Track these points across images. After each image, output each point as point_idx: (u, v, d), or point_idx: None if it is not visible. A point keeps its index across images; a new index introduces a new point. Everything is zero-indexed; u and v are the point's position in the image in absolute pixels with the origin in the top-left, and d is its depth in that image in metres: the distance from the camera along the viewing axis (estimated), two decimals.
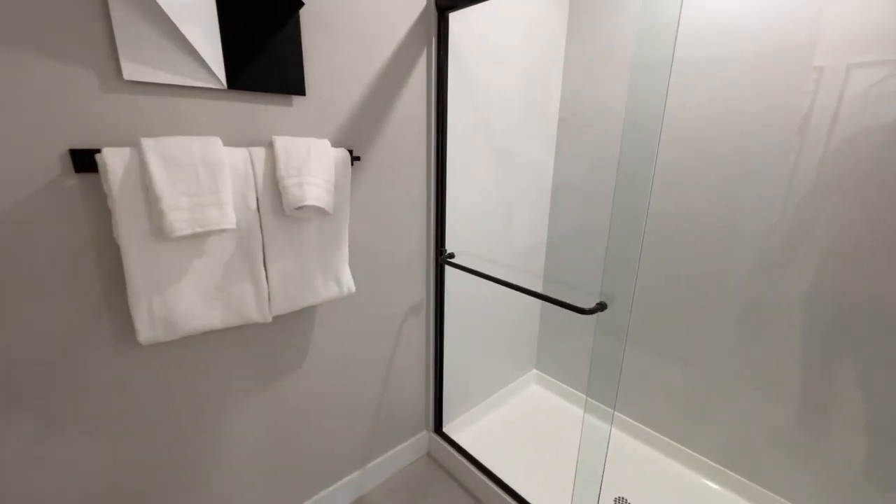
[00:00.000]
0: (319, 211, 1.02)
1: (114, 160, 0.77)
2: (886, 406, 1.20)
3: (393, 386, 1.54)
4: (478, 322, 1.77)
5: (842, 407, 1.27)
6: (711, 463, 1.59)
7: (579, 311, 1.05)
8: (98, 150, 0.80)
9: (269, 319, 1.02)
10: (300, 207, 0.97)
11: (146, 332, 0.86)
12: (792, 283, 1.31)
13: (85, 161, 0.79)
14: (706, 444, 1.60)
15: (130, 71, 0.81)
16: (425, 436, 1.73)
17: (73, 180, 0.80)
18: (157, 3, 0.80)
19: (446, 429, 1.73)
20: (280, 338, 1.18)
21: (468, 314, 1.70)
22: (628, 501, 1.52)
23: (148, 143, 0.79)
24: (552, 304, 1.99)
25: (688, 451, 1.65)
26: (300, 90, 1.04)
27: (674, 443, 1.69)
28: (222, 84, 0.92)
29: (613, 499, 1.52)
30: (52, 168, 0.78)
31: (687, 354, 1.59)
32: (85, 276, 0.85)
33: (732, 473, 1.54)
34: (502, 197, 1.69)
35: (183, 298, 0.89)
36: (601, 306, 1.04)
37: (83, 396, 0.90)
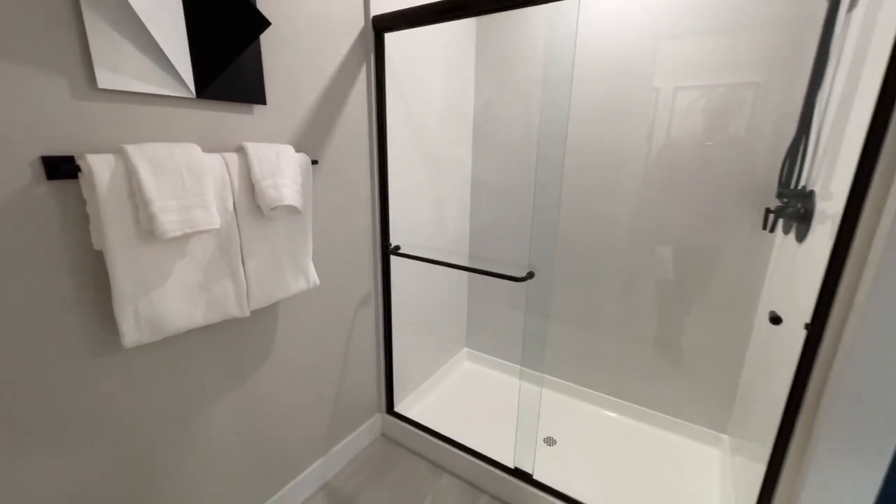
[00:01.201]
0: (292, 209, 1.12)
1: (100, 166, 0.79)
2: (711, 339, 1.71)
3: (349, 373, 1.65)
4: (417, 309, 1.96)
5: (684, 341, 1.78)
6: (607, 397, 2.04)
7: (514, 280, 1.32)
8: (71, 158, 0.80)
9: (248, 314, 1.08)
10: (275, 207, 1.06)
11: (131, 335, 0.87)
12: (649, 254, 1.77)
13: (58, 168, 0.79)
14: (602, 383, 2.04)
15: (105, 80, 0.83)
16: (379, 418, 1.87)
17: (45, 188, 0.80)
18: (132, 14, 0.84)
19: (398, 408, 1.89)
20: (251, 333, 1.23)
21: (409, 302, 1.89)
22: (554, 438, 1.87)
23: (134, 150, 0.83)
24: (478, 290, 2.28)
25: (590, 391, 2.08)
26: (261, 99, 1.12)
27: (579, 387, 2.11)
28: (192, 93, 0.97)
29: (543, 439, 1.86)
30: (22, 175, 0.77)
31: (583, 318, 2.01)
32: (57, 285, 0.83)
33: (621, 401, 1.99)
34: (434, 193, 1.91)
35: (168, 299, 0.92)
36: (530, 274, 1.32)
37: (58, 408, 0.87)
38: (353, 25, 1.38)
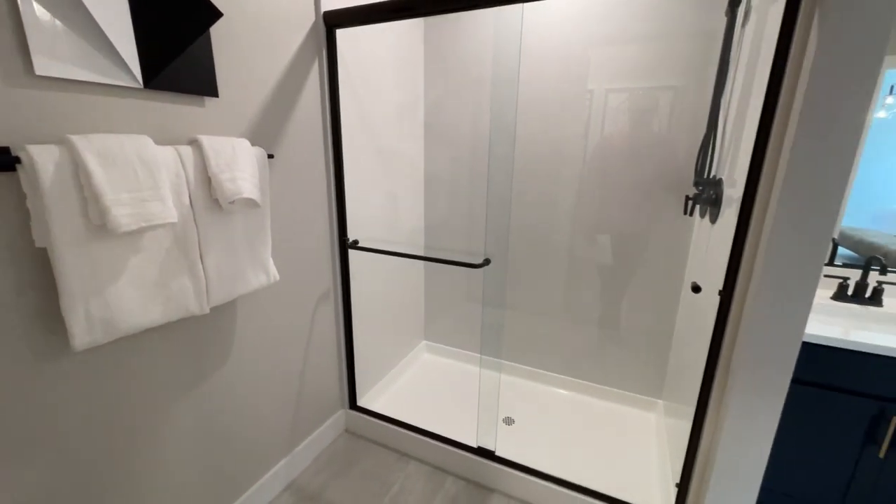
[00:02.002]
0: (251, 203, 1.11)
1: (43, 158, 0.75)
2: (645, 314, 1.92)
3: (310, 370, 1.64)
4: (376, 304, 1.99)
5: (623, 319, 1.97)
6: (558, 375, 2.19)
7: (472, 266, 1.40)
8: (6, 149, 0.76)
9: (207, 311, 1.06)
10: (234, 201, 1.05)
11: (82, 336, 0.83)
12: (590, 240, 1.94)
13: None
14: (553, 364, 2.20)
15: (43, 66, 0.79)
16: (342, 413, 1.87)
17: None
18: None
19: (361, 402, 1.90)
20: (210, 331, 1.19)
21: (368, 297, 1.91)
22: (512, 418, 1.98)
23: (80, 141, 0.79)
24: (435, 283, 2.34)
25: (542, 371, 2.22)
26: (213, 92, 1.10)
27: (532, 368, 2.24)
28: (139, 83, 0.93)
29: (502, 419, 1.96)
30: None
31: (534, 304, 2.14)
32: None
33: (571, 378, 2.16)
34: (388, 188, 1.95)
35: (123, 296, 0.88)
36: (487, 261, 1.41)
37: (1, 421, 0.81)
38: (305, 20, 1.38)
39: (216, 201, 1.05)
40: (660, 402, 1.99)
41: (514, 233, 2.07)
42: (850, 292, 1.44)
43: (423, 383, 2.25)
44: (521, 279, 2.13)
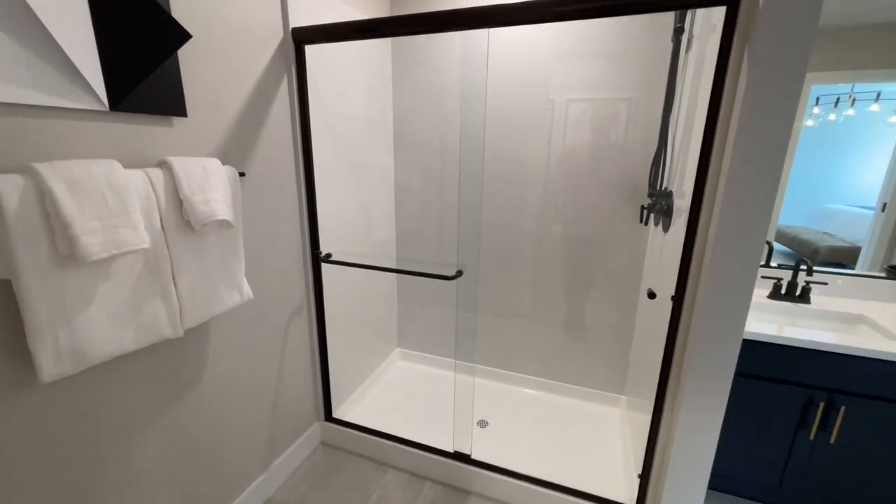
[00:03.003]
0: (224, 224, 1.10)
1: (6, 188, 0.73)
2: (607, 316, 2.04)
3: (285, 385, 1.63)
4: (350, 315, 2.00)
5: (587, 320, 2.08)
6: (528, 377, 2.28)
7: (445, 279, 1.45)
8: None
9: (182, 334, 1.04)
10: (207, 223, 1.04)
11: (50, 368, 0.81)
12: (555, 247, 2.04)
13: None
14: (523, 365, 2.28)
15: (1, 91, 0.76)
16: (317, 427, 1.87)
17: None
18: (35, 21, 0.78)
19: (336, 414, 1.91)
20: (181, 353, 1.17)
21: (341, 309, 1.91)
22: (486, 421, 2.04)
23: (45, 169, 0.77)
24: (407, 291, 2.37)
25: (512, 373, 2.31)
26: (182, 112, 1.08)
27: (502, 371, 2.32)
28: (104, 106, 0.92)
29: (476, 422, 2.02)
30: None
31: (503, 309, 2.22)
32: None
33: (540, 379, 2.25)
34: (360, 199, 1.96)
35: (93, 325, 0.86)
36: (459, 273, 1.46)
37: None
38: (273, 37, 1.38)
39: (188, 223, 1.04)
40: (623, 397, 2.12)
41: (484, 239, 2.14)
42: (783, 291, 1.61)
43: (398, 391, 2.27)
44: (492, 284, 2.20)
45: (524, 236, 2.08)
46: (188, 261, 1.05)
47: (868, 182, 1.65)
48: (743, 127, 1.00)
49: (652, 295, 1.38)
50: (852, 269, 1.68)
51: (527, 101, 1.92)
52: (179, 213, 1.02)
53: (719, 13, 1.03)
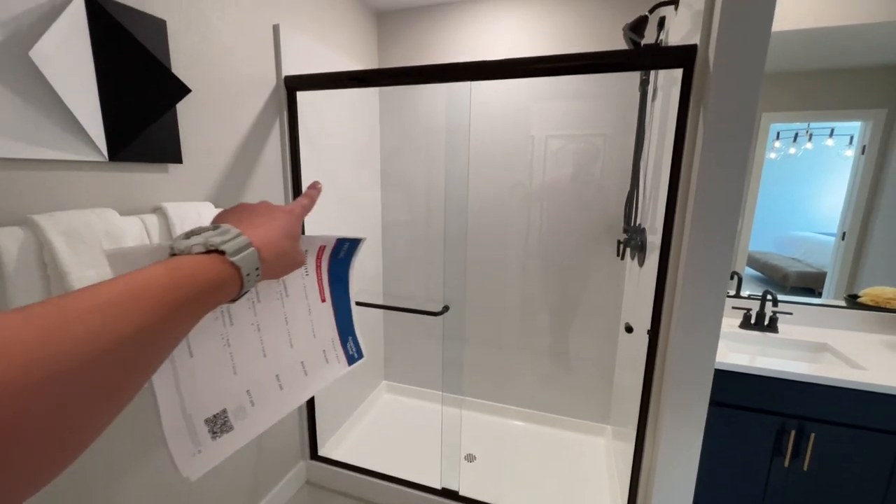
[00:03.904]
0: None
1: (6, 241, 0.75)
2: (591, 347, 2.09)
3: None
4: None
5: (571, 351, 2.13)
6: (515, 408, 2.29)
7: (432, 314, 1.49)
8: None
9: None
10: None
11: None
12: (539, 279, 2.11)
13: None
14: (510, 396, 2.30)
15: (3, 147, 0.80)
16: (302, 466, 1.83)
17: None
18: (43, 82, 0.83)
19: (322, 452, 1.88)
20: None
21: None
22: (473, 455, 2.04)
23: (45, 221, 0.80)
24: (393, 324, 2.39)
25: (499, 405, 2.32)
26: (177, 159, 1.13)
27: (489, 402, 2.33)
28: (104, 157, 0.96)
29: (464, 456, 2.01)
30: None
31: (489, 340, 2.26)
32: None
33: (527, 410, 2.27)
34: (348, 235, 2.00)
35: None
36: (446, 308, 1.50)
37: None
38: (267, 85, 1.45)
39: None
40: (608, 427, 2.14)
41: (470, 273, 2.19)
42: (752, 321, 1.70)
43: (385, 425, 2.25)
44: (478, 316, 2.24)
45: (509, 269, 2.15)
46: None
47: (829, 209, 1.78)
48: (704, 170, 1.09)
49: (629, 329, 1.44)
50: (821, 293, 1.79)
51: (508, 138, 2.03)
52: None
53: (678, 70, 1.15)
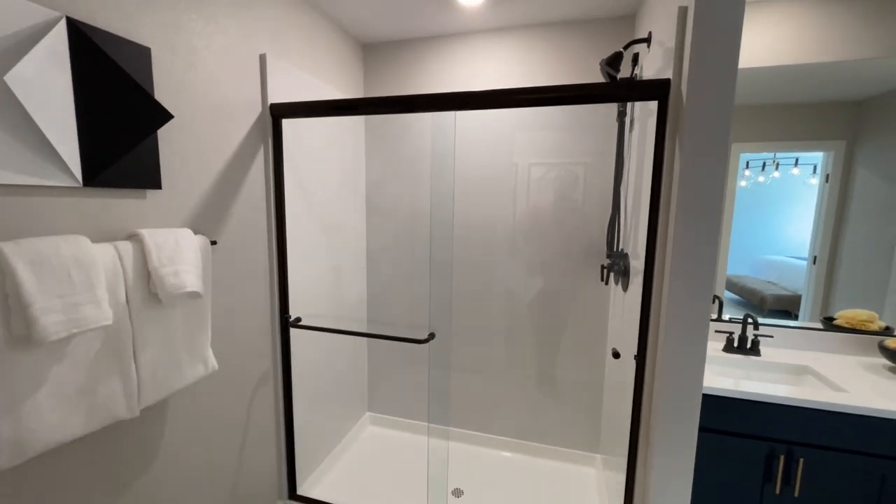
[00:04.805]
0: (193, 295, 1.08)
1: None
2: (578, 374, 2.08)
3: (247, 462, 1.52)
4: (318, 379, 1.93)
5: (558, 378, 2.11)
6: (502, 438, 2.23)
7: (417, 342, 1.45)
8: None
9: (138, 414, 0.98)
10: (176, 295, 1.03)
11: None
12: (524, 306, 2.10)
13: None
14: (498, 426, 2.24)
15: None
16: None
17: None
18: (15, 101, 0.80)
19: (301, 490, 1.77)
20: (135, 433, 1.09)
21: (309, 374, 1.85)
22: (461, 489, 1.95)
23: (10, 248, 0.76)
24: (378, 353, 2.34)
25: (486, 435, 2.25)
26: (156, 184, 1.10)
27: (475, 433, 2.26)
28: (78, 182, 0.92)
29: (451, 491, 1.93)
30: None
31: (477, 368, 2.22)
32: None
33: (514, 440, 2.21)
34: (332, 262, 1.97)
35: (41, 411, 0.81)
36: (432, 336, 1.47)
37: None
38: (252, 112, 1.45)
39: (155, 295, 1.02)
40: (598, 456, 2.10)
41: (456, 299, 2.17)
42: (735, 345, 1.71)
43: (369, 459, 2.15)
44: (464, 344, 2.21)
45: (494, 296, 2.14)
46: (152, 334, 1.02)
47: (799, 234, 1.85)
48: (682, 196, 1.12)
49: (616, 354, 1.44)
50: (797, 315, 1.83)
51: (492, 165, 2.07)
52: (146, 285, 1.01)
53: (654, 102, 1.20)
